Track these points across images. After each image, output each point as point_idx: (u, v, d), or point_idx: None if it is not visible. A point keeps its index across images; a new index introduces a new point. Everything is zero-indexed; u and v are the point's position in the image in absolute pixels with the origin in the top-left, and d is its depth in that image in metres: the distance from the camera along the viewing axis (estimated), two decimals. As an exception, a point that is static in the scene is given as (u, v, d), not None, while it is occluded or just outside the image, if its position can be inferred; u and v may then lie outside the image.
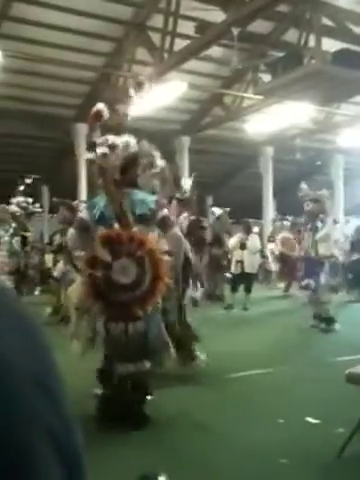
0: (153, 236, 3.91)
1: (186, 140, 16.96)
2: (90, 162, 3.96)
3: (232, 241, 10.43)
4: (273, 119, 14.36)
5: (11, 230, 8.75)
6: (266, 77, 11.87)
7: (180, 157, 17.14)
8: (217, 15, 9.77)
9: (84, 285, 3.80)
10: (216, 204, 14.45)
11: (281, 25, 12.33)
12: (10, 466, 0.38)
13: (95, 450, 2.94)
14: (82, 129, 14.95)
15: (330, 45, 10.07)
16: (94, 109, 3.99)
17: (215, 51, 11.91)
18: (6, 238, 8.54)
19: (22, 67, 12.24)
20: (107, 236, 3.72)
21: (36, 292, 11.65)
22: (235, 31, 9.42)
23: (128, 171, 3.87)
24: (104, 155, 3.76)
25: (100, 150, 3.77)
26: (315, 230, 7.54)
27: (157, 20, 11.51)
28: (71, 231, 4.28)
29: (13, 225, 8.84)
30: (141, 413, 3.73)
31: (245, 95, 14.11)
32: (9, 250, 8.58)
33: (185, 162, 16.91)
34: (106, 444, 3.28)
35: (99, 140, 3.85)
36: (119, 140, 3.86)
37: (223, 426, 3.77)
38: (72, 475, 0.44)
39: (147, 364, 3.78)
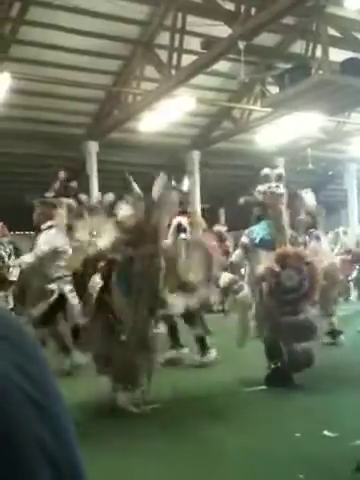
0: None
1: (196, 154, 16.98)
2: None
3: None
4: (283, 130, 14.36)
5: (8, 250, 9.12)
6: (274, 89, 11.89)
7: (191, 172, 17.19)
8: (223, 30, 9.82)
9: (267, 288, 4.90)
10: (228, 217, 14.43)
11: (287, 37, 12.37)
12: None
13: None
14: (93, 147, 15.10)
15: (337, 55, 10.06)
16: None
17: (222, 65, 11.95)
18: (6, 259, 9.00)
19: (32, 88, 12.41)
20: (280, 253, 4.93)
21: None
22: (241, 45, 9.44)
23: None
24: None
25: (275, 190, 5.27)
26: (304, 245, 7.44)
27: (163, 37, 11.62)
28: (238, 251, 5.57)
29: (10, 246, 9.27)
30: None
31: (253, 108, 14.14)
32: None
33: (196, 176, 16.92)
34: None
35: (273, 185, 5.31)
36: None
37: (239, 441, 3.71)
38: None
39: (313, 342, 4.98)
